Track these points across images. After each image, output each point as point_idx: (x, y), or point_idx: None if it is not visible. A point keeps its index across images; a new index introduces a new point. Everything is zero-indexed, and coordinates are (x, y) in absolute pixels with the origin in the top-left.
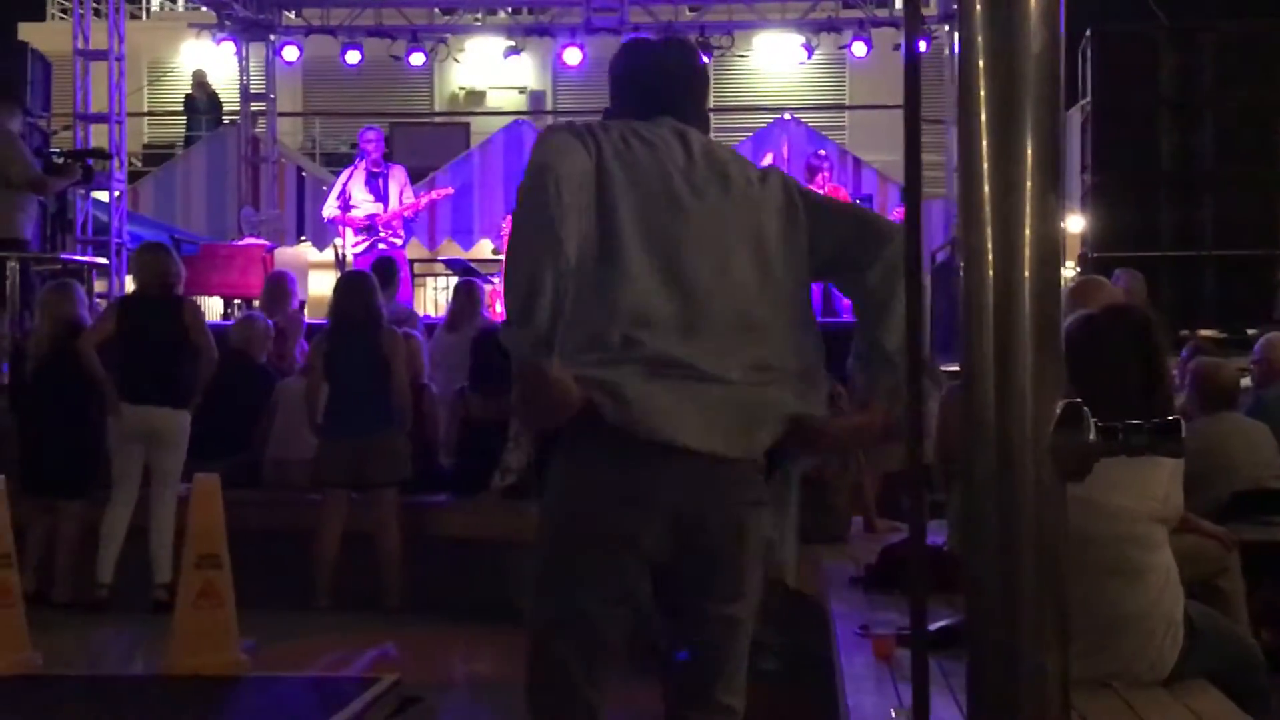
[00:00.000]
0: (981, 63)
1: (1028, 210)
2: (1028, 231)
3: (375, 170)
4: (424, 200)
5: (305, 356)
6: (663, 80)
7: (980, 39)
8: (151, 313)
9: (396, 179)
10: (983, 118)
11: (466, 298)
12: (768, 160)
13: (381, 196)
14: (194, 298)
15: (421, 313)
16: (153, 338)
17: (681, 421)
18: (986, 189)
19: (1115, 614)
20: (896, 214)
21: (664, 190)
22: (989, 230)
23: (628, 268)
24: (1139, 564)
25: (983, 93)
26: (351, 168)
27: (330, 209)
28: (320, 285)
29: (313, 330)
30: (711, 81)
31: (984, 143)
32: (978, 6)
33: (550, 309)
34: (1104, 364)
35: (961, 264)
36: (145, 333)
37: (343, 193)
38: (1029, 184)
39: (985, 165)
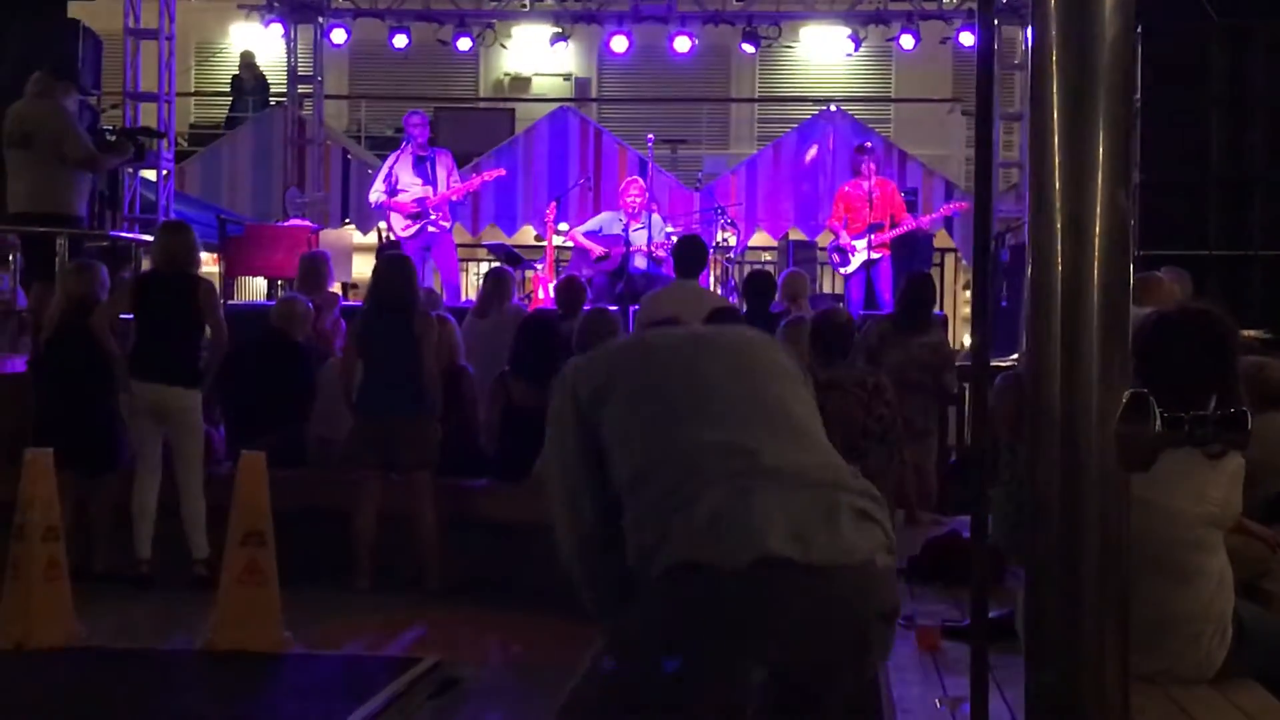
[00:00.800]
0: (1055, 53)
1: (1099, 201)
2: (1098, 223)
3: (422, 154)
4: (476, 181)
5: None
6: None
7: (1054, 29)
8: (166, 292)
9: (443, 163)
10: (1055, 108)
11: (495, 285)
12: (813, 152)
13: (430, 180)
14: (210, 278)
15: (464, 297)
16: (166, 317)
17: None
18: (1057, 180)
19: (1165, 614)
20: (944, 209)
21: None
22: (1059, 220)
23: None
24: (1194, 567)
25: (1055, 83)
26: (398, 152)
27: (377, 193)
28: (364, 268)
29: (352, 311)
30: (758, 72)
31: (1055, 133)
32: None
33: (592, 578)
34: (1176, 363)
35: (1030, 255)
36: (159, 311)
37: (389, 176)
38: (1100, 174)
39: (1056, 156)
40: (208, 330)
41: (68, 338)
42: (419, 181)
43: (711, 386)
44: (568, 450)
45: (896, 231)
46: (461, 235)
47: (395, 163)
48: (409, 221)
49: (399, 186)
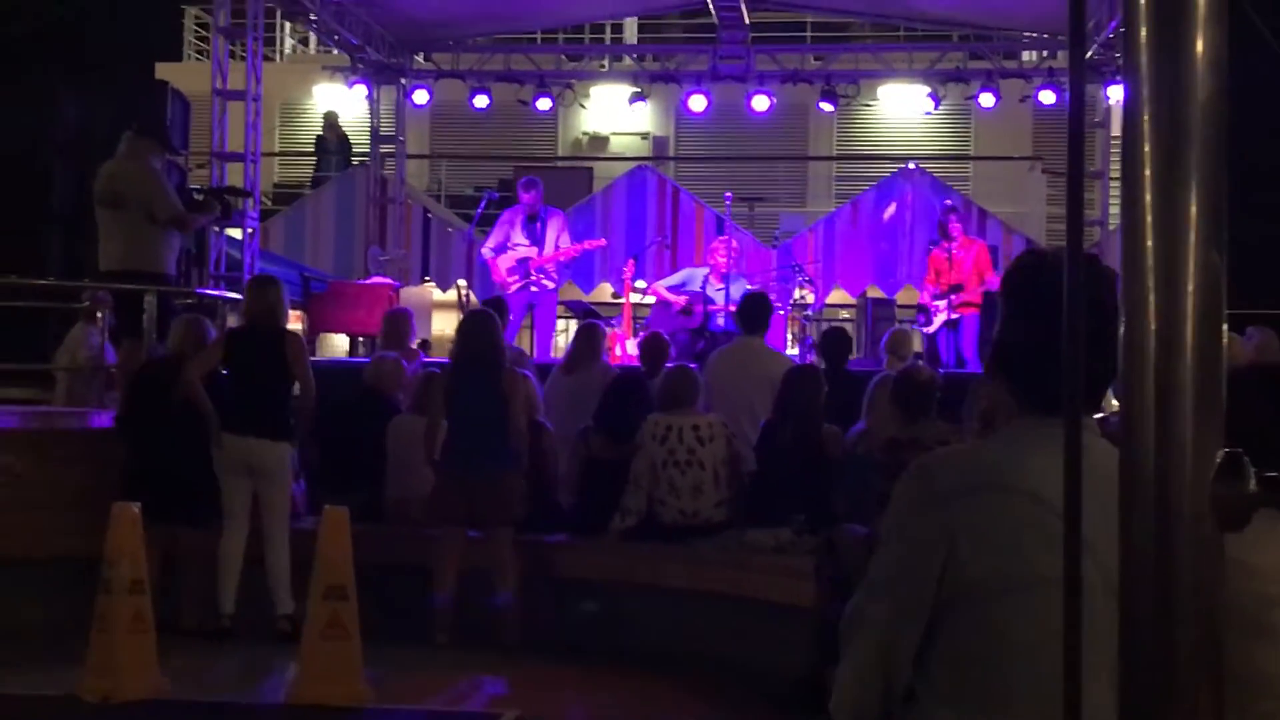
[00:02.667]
0: (1147, 112)
1: (1190, 262)
2: (1190, 284)
3: (533, 214)
4: (578, 248)
5: (414, 393)
6: None
7: (1146, 88)
8: (256, 346)
9: (554, 224)
10: (1147, 169)
11: (586, 341)
12: (891, 210)
13: (537, 240)
14: (297, 332)
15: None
16: (256, 370)
17: None
18: (1150, 240)
19: (1252, 674)
20: None
21: None
22: (1151, 281)
23: None
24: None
25: (1147, 143)
26: (511, 210)
27: (487, 250)
28: (443, 324)
29: (434, 368)
30: (836, 130)
31: (1147, 194)
32: (1144, 56)
33: None
34: (1245, 421)
35: (1123, 314)
36: (249, 365)
37: (500, 234)
38: (1193, 235)
39: (1149, 216)
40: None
41: (162, 392)
42: (526, 241)
43: None
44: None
45: (972, 294)
46: None
47: (508, 221)
48: (513, 278)
49: (509, 244)
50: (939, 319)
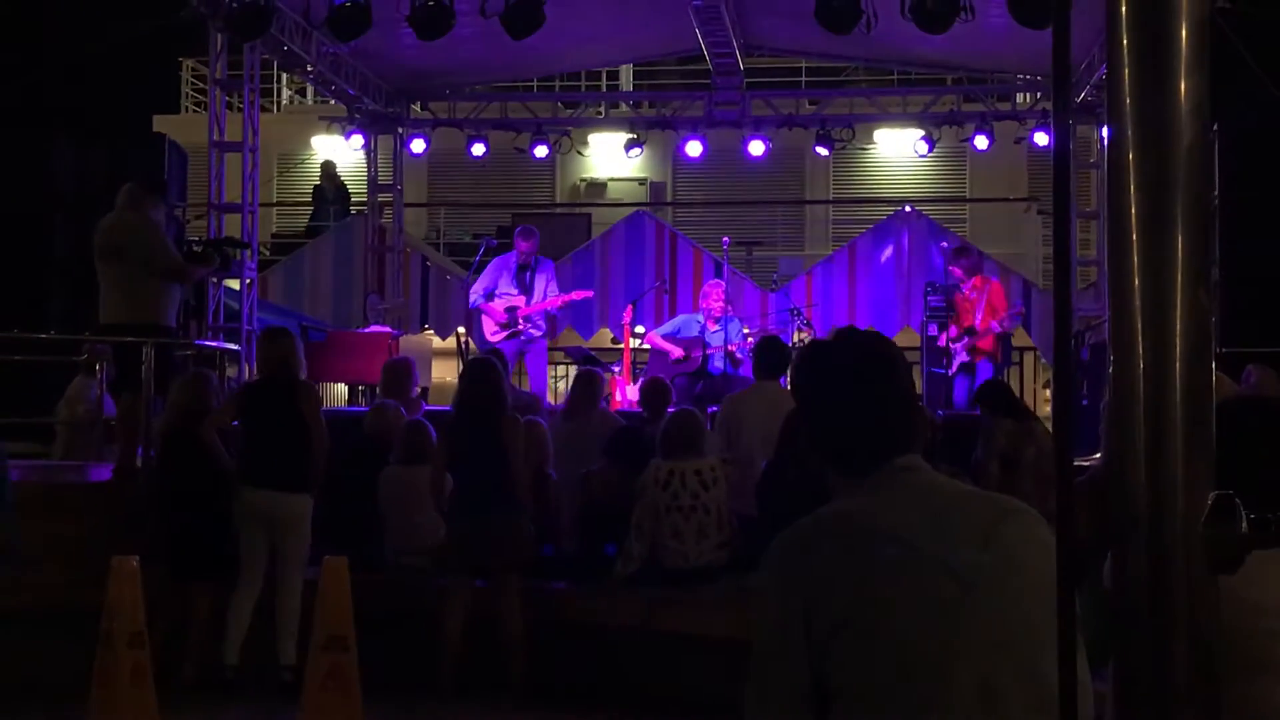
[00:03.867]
0: (1131, 155)
1: (1178, 303)
2: (1179, 324)
3: (525, 263)
4: (563, 299)
5: (401, 443)
6: None
7: (1130, 131)
8: (271, 398)
9: (543, 273)
10: (1133, 211)
11: (585, 388)
12: (888, 253)
13: (526, 289)
14: (312, 382)
15: (549, 401)
16: (272, 422)
17: None
18: (1137, 281)
19: (1260, 710)
20: (1019, 310)
21: None
22: (1139, 323)
23: None
24: None
25: (1132, 186)
26: (504, 257)
27: (475, 295)
28: (443, 372)
29: (433, 417)
30: (832, 173)
31: (1134, 236)
32: (1128, 99)
33: None
34: (1235, 455)
35: (1111, 355)
36: (265, 417)
37: (489, 281)
38: (1180, 277)
39: (1135, 258)
40: None
41: (177, 447)
42: (515, 290)
43: None
44: None
45: (986, 342)
46: None
47: (499, 268)
48: (498, 328)
49: (498, 292)
50: (957, 362)
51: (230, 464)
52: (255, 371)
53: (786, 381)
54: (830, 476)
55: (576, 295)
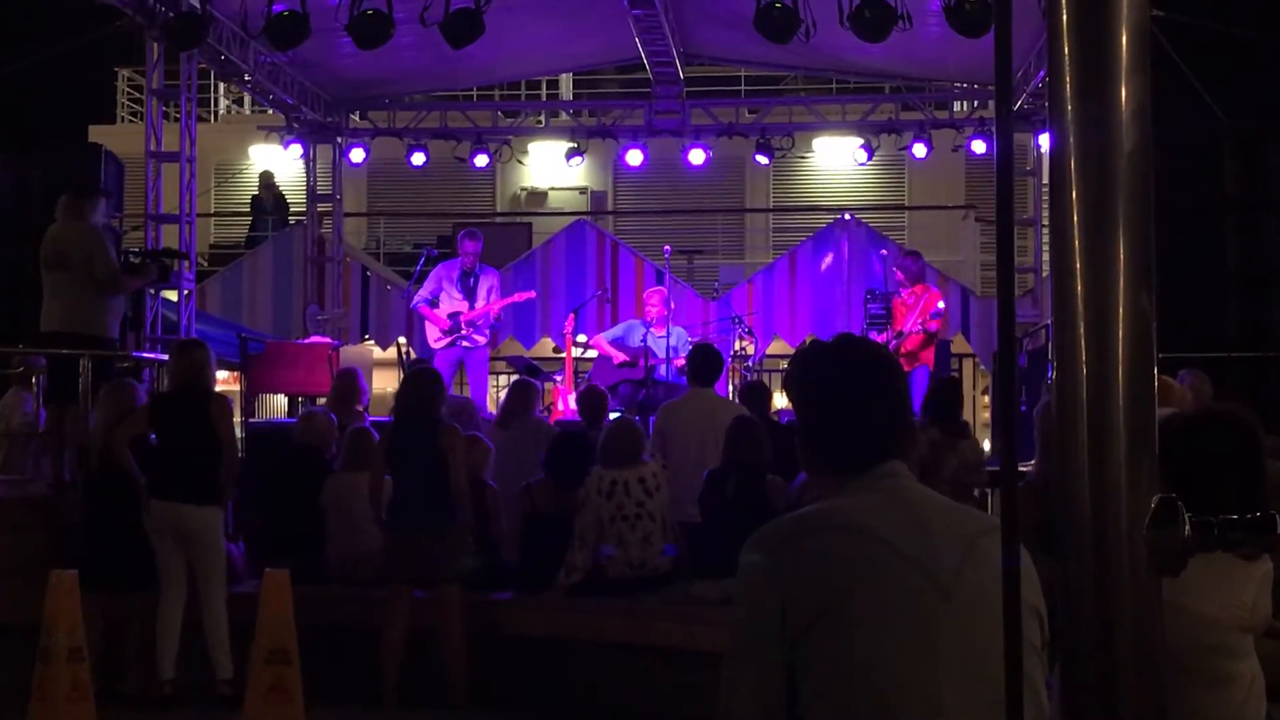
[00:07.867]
0: (1073, 161)
1: (1121, 309)
2: (1121, 327)
3: (468, 269)
4: (504, 301)
5: (346, 449)
6: None
7: (1071, 140)
8: (181, 410)
9: (486, 280)
10: (1075, 217)
11: (519, 396)
12: (828, 260)
13: (469, 295)
14: (224, 394)
15: (488, 410)
16: (182, 434)
17: None
18: (1080, 286)
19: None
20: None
21: None
22: (1082, 327)
23: None
24: (1225, 672)
25: (1075, 192)
26: (448, 264)
27: (418, 299)
28: (383, 383)
29: (375, 427)
30: (772, 182)
31: (1076, 241)
32: (1069, 104)
33: None
34: (1201, 467)
35: (1054, 361)
36: (175, 429)
37: (433, 285)
38: (1122, 283)
39: (1078, 264)
40: None
41: (100, 458)
42: (459, 295)
43: None
44: None
45: (911, 342)
46: None
47: (443, 273)
48: (440, 334)
49: (441, 297)
50: None
51: (139, 476)
52: (168, 383)
53: (724, 387)
54: (813, 478)
55: (519, 297)
